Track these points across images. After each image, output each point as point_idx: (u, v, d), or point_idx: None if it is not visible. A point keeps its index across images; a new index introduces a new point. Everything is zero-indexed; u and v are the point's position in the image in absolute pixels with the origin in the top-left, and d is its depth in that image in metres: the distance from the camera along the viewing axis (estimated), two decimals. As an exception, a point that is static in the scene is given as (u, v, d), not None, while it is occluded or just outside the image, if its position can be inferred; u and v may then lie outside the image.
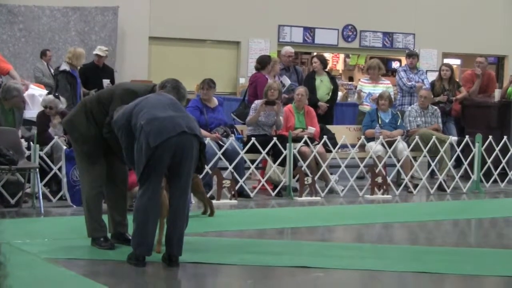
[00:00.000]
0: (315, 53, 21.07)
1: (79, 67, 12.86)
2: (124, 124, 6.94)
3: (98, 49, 13.80)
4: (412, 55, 14.29)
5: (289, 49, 13.99)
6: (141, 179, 6.86)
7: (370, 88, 13.45)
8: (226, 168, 11.07)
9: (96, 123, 7.47)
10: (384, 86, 13.44)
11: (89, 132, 7.48)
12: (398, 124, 12.73)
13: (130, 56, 18.02)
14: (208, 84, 11.43)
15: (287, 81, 12.89)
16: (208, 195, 9.96)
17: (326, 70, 13.78)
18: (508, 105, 13.59)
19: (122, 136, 6.98)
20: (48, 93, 10.93)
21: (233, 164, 10.98)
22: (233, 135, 11.28)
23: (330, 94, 13.34)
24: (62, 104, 10.63)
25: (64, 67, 12.61)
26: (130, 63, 17.93)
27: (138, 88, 7.61)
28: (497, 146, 12.69)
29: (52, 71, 14.29)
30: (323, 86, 13.32)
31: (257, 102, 11.85)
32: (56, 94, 10.85)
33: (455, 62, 21.92)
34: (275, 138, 11.30)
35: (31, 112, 11.23)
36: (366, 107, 13.28)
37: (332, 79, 13.71)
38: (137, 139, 6.82)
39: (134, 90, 7.49)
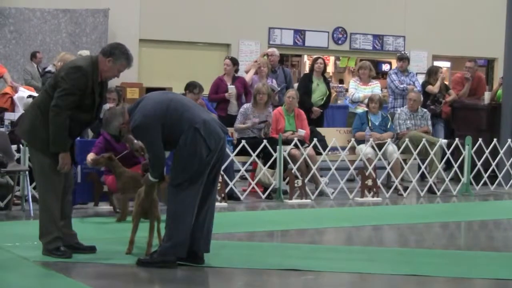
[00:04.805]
0: (305, 56, 21.20)
1: None
2: (158, 119, 6.78)
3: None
4: (403, 59, 14.24)
5: (270, 50, 14.03)
6: (185, 181, 6.80)
7: (360, 89, 13.43)
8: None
9: None
10: (373, 86, 13.45)
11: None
12: (388, 126, 12.74)
13: (120, 58, 17.95)
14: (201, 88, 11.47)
15: (275, 88, 12.88)
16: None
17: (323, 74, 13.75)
18: (497, 108, 13.61)
19: (150, 131, 6.78)
20: (28, 97, 10.86)
21: (223, 167, 10.94)
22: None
23: (324, 99, 13.36)
24: None
25: (50, 68, 12.59)
26: (120, 66, 17.83)
27: (80, 62, 7.15)
28: (487, 149, 12.71)
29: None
30: (318, 90, 13.32)
31: (246, 107, 11.83)
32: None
33: (445, 64, 21.96)
34: (265, 141, 11.29)
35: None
36: (361, 108, 13.23)
37: (327, 84, 13.73)
38: (185, 141, 6.75)
39: (78, 65, 7.07)
